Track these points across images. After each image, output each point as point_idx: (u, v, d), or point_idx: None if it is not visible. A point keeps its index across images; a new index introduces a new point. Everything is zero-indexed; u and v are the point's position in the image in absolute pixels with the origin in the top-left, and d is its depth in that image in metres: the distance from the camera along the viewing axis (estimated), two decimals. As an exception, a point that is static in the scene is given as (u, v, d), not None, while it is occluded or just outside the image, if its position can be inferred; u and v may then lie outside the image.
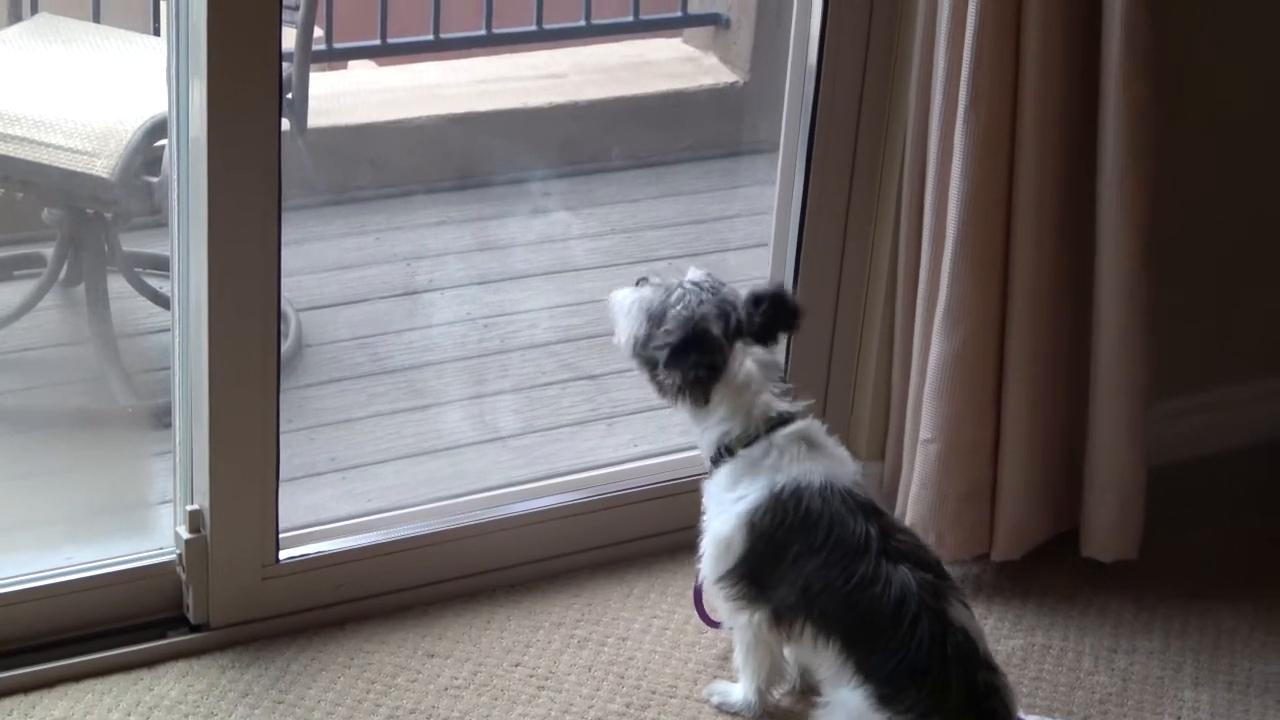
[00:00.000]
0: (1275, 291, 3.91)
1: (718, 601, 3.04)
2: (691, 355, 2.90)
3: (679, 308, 2.94)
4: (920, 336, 3.40)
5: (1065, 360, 3.43)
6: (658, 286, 2.99)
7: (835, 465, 2.96)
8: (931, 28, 3.26)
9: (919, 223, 3.37)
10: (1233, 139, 3.69)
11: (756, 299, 2.97)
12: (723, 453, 2.98)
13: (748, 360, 2.94)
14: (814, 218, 3.49)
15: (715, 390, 2.94)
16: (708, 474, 3.04)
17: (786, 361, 3.44)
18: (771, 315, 2.97)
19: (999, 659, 3.03)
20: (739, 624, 3.00)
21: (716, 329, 2.92)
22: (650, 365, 2.96)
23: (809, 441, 2.96)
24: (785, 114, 3.49)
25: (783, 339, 3.10)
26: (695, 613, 3.28)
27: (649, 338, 2.95)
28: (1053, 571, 3.53)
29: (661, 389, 2.97)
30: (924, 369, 3.39)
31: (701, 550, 3.03)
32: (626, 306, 3.01)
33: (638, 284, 3.03)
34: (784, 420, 2.96)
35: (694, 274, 3.00)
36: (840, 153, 3.46)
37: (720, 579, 2.98)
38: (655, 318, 2.96)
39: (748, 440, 2.96)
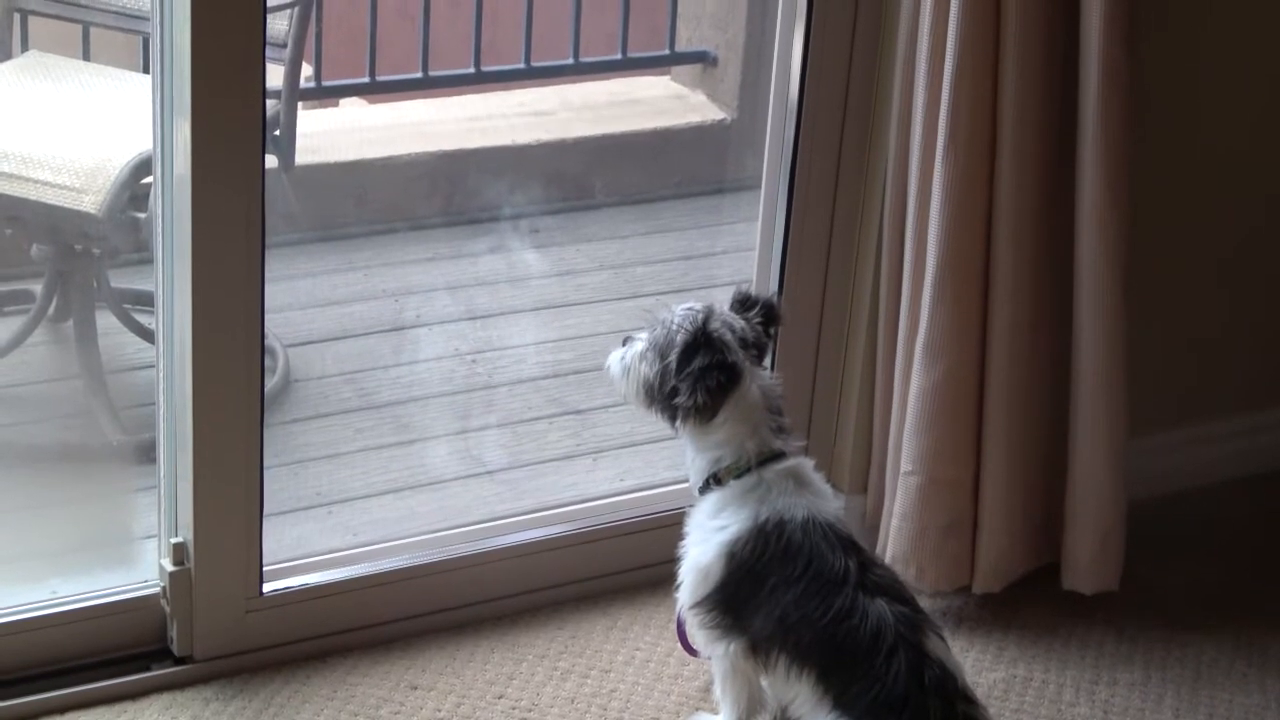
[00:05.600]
0: (1254, 327, 3.93)
1: (694, 629, 3.06)
2: (702, 356, 2.91)
3: (684, 330, 2.96)
4: (901, 370, 3.42)
5: (1045, 393, 3.45)
6: (654, 325, 3.00)
7: (819, 501, 2.98)
8: (910, 66, 3.29)
9: (899, 258, 3.40)
10: (1210, 176, 3.72)
11: (744, 304, 3.01)
12: (711, 482, 3.00)
13: (755, 385, 2.96)
14: (795, 254, 3.51)
15: (724, 406, 2.94)
16: (693, 503, 3.06)
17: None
18: (762, 315, 3.01)
19: (980, 691, 3.05)
20: (716, 653, 3.02)
21: (727, 333, 2.94)
22: (666, 396, 2.97)
23: (797, 478, 2.98)
24: (767, 150, 3.52)
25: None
26: (678, 643, 3.29)
27: (664, 370, 2.97)
28: (1034, 604, 3.55)
29: (674, 412, 2.97)
30: (904, 402, 3.41)
31: (680, 577, 3.05)
32: (625, 364, 3.02)
33: (624, 343, 3.05)
34: (776, 456, 2.98)
35: (682, 305, 3.02)
36: (821, 190, 3.49)
37: (695, 606, 3.00)
38: (664, 349, 2.97)
39: (738, 472, 2.98)
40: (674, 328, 2.96)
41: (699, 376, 2.91)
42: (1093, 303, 3.35)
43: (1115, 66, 3.21)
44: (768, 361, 3.13)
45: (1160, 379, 3.73)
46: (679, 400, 2.94)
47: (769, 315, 3.03)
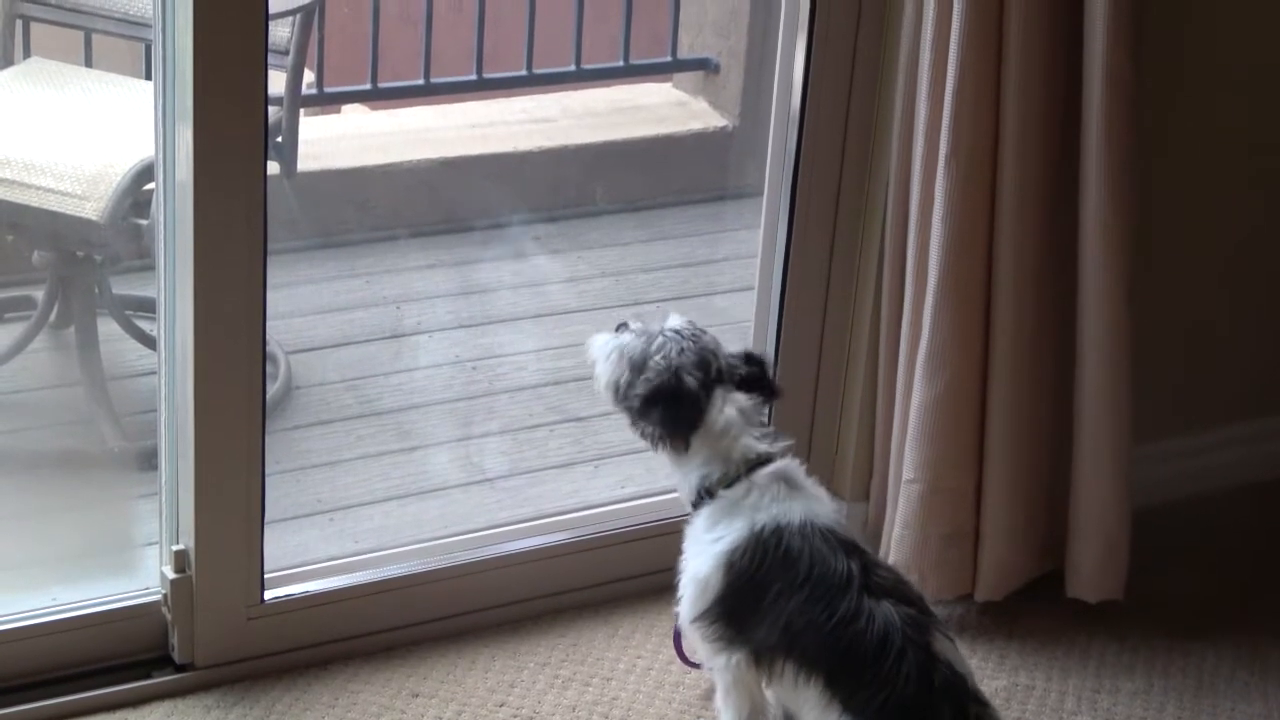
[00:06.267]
0: (1257, 334, 3.92)
1: (696, 642, 3.05)
2: (664, 408, 2.93)
3: (659, 356, 2.95)
4: (903, 380, 3.42)
5: (1048, 402, 3.44)
6: (639, 334, 3.00)
7: (815, 504, 2.96)
8: (913, 76, 3.29)
9: (901, 268, 3.40)
10: (1212, 184, 3.71)
11: (748, 358, 3.00)
12: (703, 495, 2.99)
13: (728, 407, 2.95)
14: (798, 263, 3.51)
15: (694, 437, 2.96)
16: (688, 519, 3.05)
17: (772, 405, 3.43)
18: (753, 382, 3.00)
19: (982, 700, 3.05)
20: (718, 665, 3.00)
21: (694, 380, 2.93)
22: (631, 412, 2.99)
23: (788, 481, 2.96)
24: (769, 160, 3.52)
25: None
26: (676, 655, 3.29)
27: (630, 385, 2.97)
28: (1036, 612, 3.54)
29: (643, 434, 2.99)
30: (907, 410, 3.40)
31: (680, 591, 3.04)
32: (606, 351, 3.02)
33: (617, 329, 3.05)
34: (763, 461, 2.97)
35: (674, 320, 3.01)
36: (823, 199, 3.49)
37: (697, 619, 2.98)
38: (637, 366, 2.97)
39: (728, 482, 2.97)
40: (652, 350, 2.95)
41: (660, 427, 2.93)
42: (1096, 311, 3.34)
43: (1119, 75, 3.21)
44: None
45: (1163, 386, 3.73)
46: (646, 430, 2.94)
47: (760, 386, 3.01)
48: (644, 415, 2.95)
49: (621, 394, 2.98)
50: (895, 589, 2.90)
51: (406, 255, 4.72)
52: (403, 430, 4.12)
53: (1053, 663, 3.44)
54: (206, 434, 3.08)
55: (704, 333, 3.00)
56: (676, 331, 2.97)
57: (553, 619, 3.44)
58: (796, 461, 3.01)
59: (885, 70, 3.40)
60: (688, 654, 3.23)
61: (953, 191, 3.24)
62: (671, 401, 2.93)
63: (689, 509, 3.03)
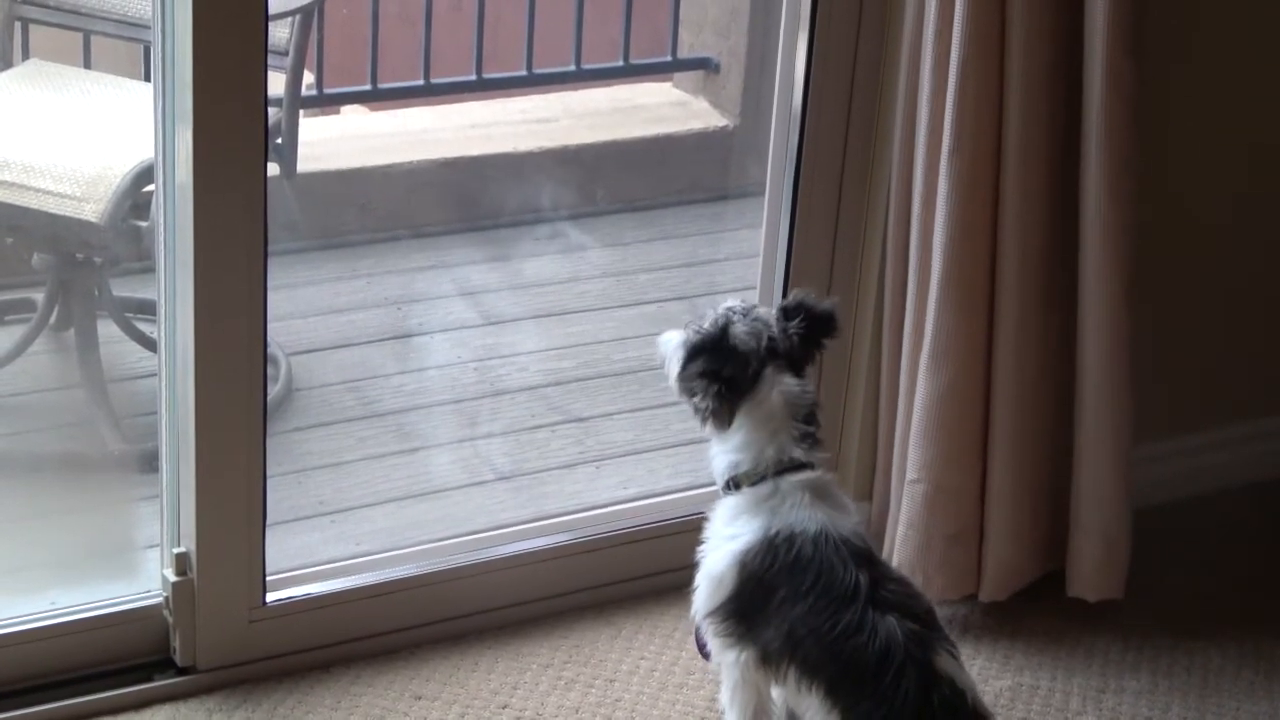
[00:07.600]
0: (1257, 334, 3.92)
1: (708, 636, 3.03)
2: (705, 357, 2.90)
3: (699, 329, 2.95)
4: (906, 378, 3.41)
5: (1050, 400, 3.44)
6: (699, 319, 2.98)
7: (837, 515, 2.92)
8: (915, 74, 3.28)
9: (904, 266, 3.39)
10: (1212, 183, 3.71)
11: (787, 311, 2.96)
12: (730, 485, 2.98)
13: (775, 391, 2.92)
14: (799, 261, 3.50)
15: (739, 412, 2.92)
16: (713, 506, 3.02)
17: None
18: (808, 325, 2.95)
19: (987, 699, 3.04)
20: (727, 661, 2.98)
21: (744, 341, 2.91)
22: (688, 393, 2.96)
23: (815, 490, 2.93)
24: (770, 159, 3.51)
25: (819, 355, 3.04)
26: (695, 646, 3.26)
27: (685, 365, 2.95)
28: (1041, 612, 3.54)
29: (696, 411, 2.95)
30: (910, 410, 3.40)
31: (696, 583, 3.02)
32: (675, 345, 3.00)
33: (686, 326, 3.03)
34: (795, 466, 2.94)
35: (730, 301, 3.00)
36: (825, 197, 3.48)
37: (710, 614, 2.97)
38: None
39: (754, 479, 2.95)
40: (705, 326, 2.95)
41: (706, 382, 2.90)
42: (1097, 311, 3.34)
43: (1119, 74, 3.20)
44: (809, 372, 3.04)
45: (1163, 386, 3.72)
46: (695, 401, 2.93)
47: (815, 325, 2.96)
48: (684, 369, 2.91)
49: (681, 376, 2.95)
50: (903, 603, 2.86)
51: (407, 256, 4.71)
52: (404, 432, 4.11)
53: (1057, 662, 3.43)
54: (207, 436, 3.07)
55: (757, 306, 2.97)
56: (730, 308, 2.96)
57: (555, 620, 3.44)
58: (831, 476, 2.97)
59: (887, 68, 3.39)
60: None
61: (955, 189, 3.23)
62: (712, 353, 2.90)
63: (720, 492, 2.99)
